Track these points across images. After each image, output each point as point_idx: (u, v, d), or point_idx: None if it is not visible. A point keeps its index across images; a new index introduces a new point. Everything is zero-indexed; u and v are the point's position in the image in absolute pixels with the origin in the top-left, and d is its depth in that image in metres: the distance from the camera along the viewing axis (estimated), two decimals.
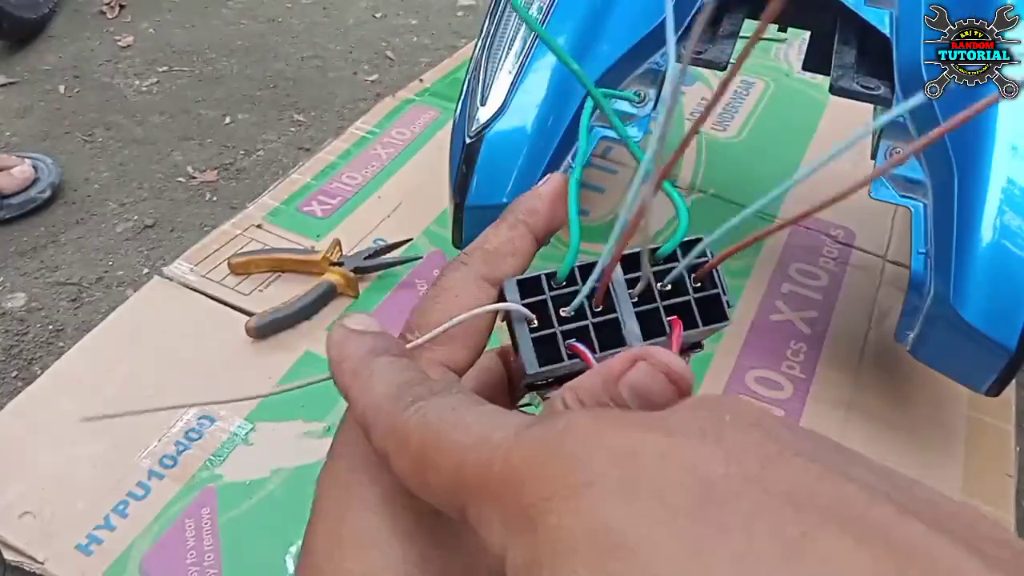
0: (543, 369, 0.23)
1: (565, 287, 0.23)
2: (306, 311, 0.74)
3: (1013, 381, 0.55)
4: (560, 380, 0.23)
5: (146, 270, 0.89)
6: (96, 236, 0.96)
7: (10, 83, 1.27)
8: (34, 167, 1.02)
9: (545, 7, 0.60)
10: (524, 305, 0.23)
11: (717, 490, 0.13)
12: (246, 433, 0.64)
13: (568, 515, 0.13)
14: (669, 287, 0.23)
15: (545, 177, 0.25)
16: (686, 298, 0.23)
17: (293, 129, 1.16)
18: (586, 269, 0.23)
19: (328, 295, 0.75)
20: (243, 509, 0.59)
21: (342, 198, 0.89)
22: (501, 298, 0.24)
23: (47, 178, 1.02)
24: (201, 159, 1.10)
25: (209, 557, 0.56)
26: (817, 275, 0.81)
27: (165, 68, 1.32)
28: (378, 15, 1.48)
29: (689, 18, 0.63)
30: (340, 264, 0.77)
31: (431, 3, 1.51)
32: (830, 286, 0.80)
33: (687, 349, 0.25)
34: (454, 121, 0.63)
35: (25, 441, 0.64)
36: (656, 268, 0.23)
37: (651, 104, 0.63)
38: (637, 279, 0.23)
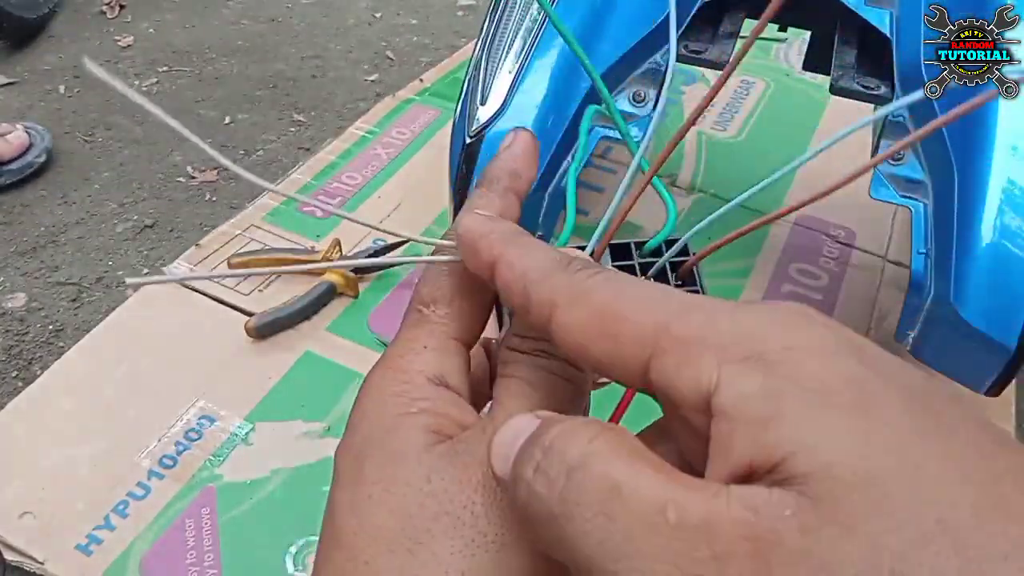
0: None
1: None
2: (306, 311, 0.74)
3: (1013, 381, 0.55)
4: None
5: (146, 270, 0.89)
6: (96, 236, 0.96)
7: (10, 83, 1.27)
8: (27, 133, 1.02)
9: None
10: None
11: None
12: (246, 433, 0.64)
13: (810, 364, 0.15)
14: (652, 280, 0.24)
15: (509, 135, 0.25)
16: None
17: (293, 129, 1.16)
18: None
19: (328, 295, 0.75)
20: (243, 509, 0.59)
21: (342, 198, 0.89)
22: None
23: (41, 143, 1.02)
24: (201, 159, 1.10)
25: (209, 557, 0.56)
26: (818, 275, 0.81)
27: (165, 68, 1.32)
28: (378, 15, 1.48)
29: (689, 17, 0.63)
30: None
31: (431, 3, 1.51)
32: (830, 286, 0.80)
33: None
34: (454, 121, 0.63)
35: (25, 441, 0.64)
36: (642, 260, 0.24)
37: (651, 104, 0.63)
38: (623, 267, 0.24)
